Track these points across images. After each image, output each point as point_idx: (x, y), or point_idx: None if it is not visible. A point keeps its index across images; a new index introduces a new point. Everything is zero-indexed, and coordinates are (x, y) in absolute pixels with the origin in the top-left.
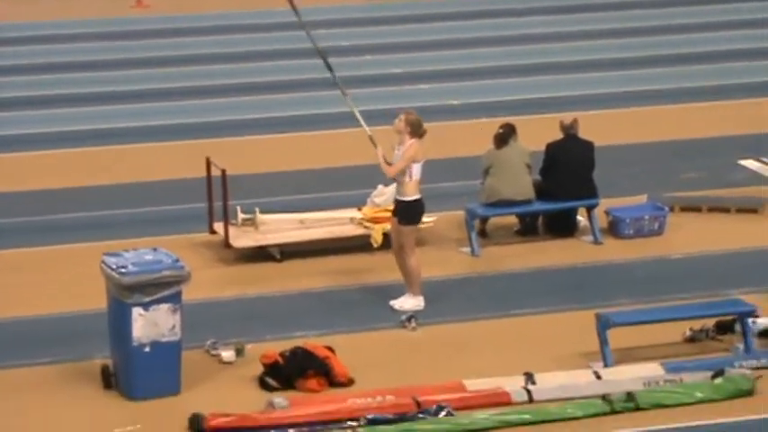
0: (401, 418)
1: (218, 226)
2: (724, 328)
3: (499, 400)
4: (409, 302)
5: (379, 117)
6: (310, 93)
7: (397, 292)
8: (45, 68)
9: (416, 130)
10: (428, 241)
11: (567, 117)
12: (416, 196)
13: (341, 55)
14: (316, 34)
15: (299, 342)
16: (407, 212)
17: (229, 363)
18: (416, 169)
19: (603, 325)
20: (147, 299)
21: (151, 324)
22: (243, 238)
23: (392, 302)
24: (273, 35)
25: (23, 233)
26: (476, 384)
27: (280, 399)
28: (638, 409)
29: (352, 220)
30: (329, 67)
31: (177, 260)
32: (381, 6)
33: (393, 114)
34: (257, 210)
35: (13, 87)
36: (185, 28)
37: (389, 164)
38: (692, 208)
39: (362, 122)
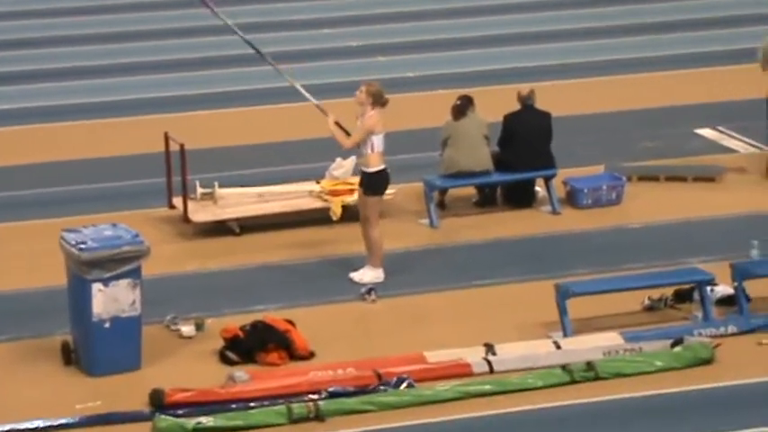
0: (362, 390)
1: (177, 201)
2: (683, 297)
3: (460, 371)
4: (369, 275)
5: (336, 90)
6: (269, 66)
7: (357, 264)
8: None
9: (378, 101)
10: (387, 213)
11: (524, 88)
12: (380, 167)
13: (299, 29)
14: (278, 7)
15: (259, 316)
16: (371, 183)
17: (189, 337)
18: (378, 141)
19: (563, 295)
20: (107, 274)
21: (111, 299)
22: (202, 213)
23: (352, 274)
24: (229, 9)
25: None
26: (436, 356)
27: (240, 373)
28: (597, 378)
29: (311, 193)
30: (256, 50)
31: (137, 235)
32: None
33: (352, 87)
34: (216, 184)
35: None
36: (143, 3)
37: (347, 133)
38: (649, 177)
39: (307, 95)
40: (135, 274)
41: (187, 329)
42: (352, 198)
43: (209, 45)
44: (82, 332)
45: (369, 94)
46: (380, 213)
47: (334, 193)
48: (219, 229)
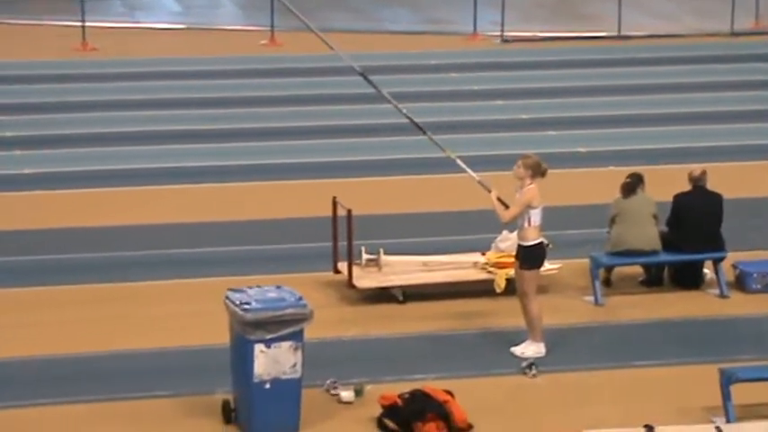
0: None
1: (342, 266)
2: None
3: None
4: (530, 349)
5: (505, 162)
6: (439, 136)
7: (519, 338)
8: (176, 104)
9: (536, 173)
10: (552, 288)
11: (696, 168)
12: (537, 241)
13: (471, 99)
14: (447, 78)
15: (418, 384)
16: (528, 257)
17: (348, 403)
18: (535, 215)
19: (727, 380)
20: (270, 336)
21: (272, 361)
22: (366, 279)
23: (513, 349)
24: (403, 77)
25: (150, 266)
26: None
27: None
28: None
29: (475, 264)
30: (422, 130)
31: (300, 298)
32: (512, 52)
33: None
34: (381, 251)
35: (138, 122)
36: (315, 68)
37: (507, 207)
38: None
39: (468, 169)
40: (297, 336)
41: (346, 395)
42: None
43: (379, 112)
44: (242, 392)
45: (526, 167)
46: (543, 288)
47: (499, 266)
48: (383, 295)
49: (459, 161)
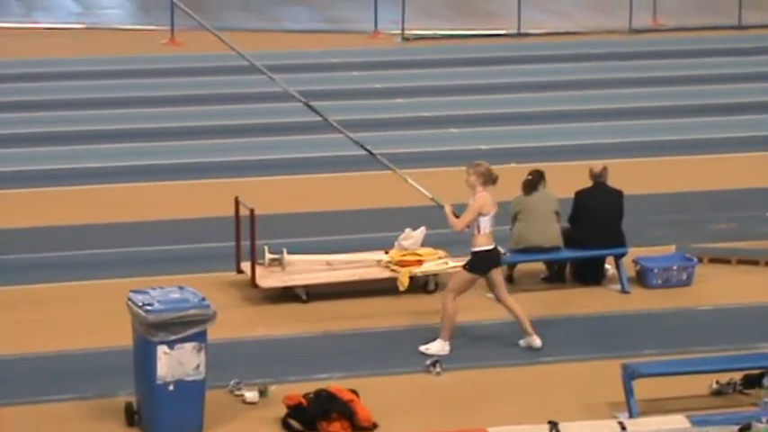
0: None
1: (246, 265)
2: (751, 382)
3: None
4: (435, 346)
5: (408, 160)
6: (340, 134)
7: (423, 336)
8: (76, 105)
9: (487, 180)
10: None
11: (597, 165)
12: (486, 247)
13: (372, 97)
14: (348, 76)
15: (323, 384)
16: (474, 262)
17: (253, 403)
18: (484, 222)
19: (629, 375)
20: (173, 337)
21: (176, 362)
22: (269, 279)
23: (421, 347)
24: (304, 76)
25: (50, 268)
26: None
27: None
28: None
29: (378, 262)
30: (367, 150)
31: (203, 299)
32: (413, 50)
33: (422, 158)
34: (284, 250)
35: (41, 123)
36: (215, 68)
37: (457, 217)
38: (721, 259)
39: (420, 188)
40: (200, 337)
41: (251, 395)
42: (420, 269)
43: (281, 111)
44: (146, 394)
45: (477, 174)
46: (443, 284)
47: (402, 264)
48: (287, 295)
49: (410, 181)
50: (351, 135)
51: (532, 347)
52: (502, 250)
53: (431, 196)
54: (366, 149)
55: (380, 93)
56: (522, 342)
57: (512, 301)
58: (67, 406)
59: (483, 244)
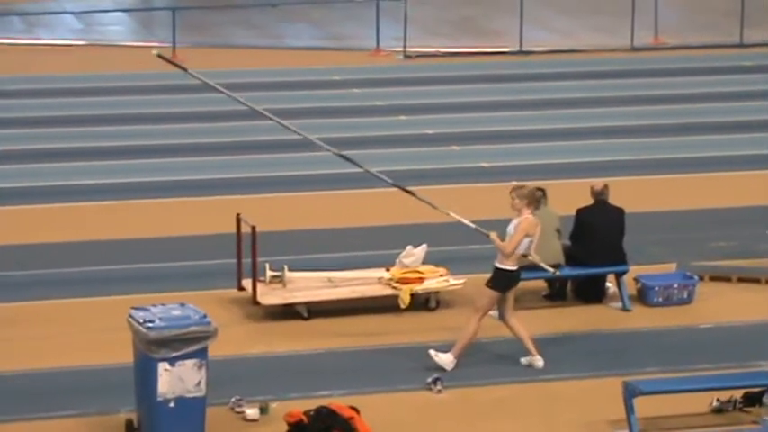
0: None
1: (247, 282)
2: (752, 400)
3: None
4: (443, 358)
5: (410, 178)
6: (344, 151)
7: (423, 353)
8: (77, 121)
9: (532, 201)
10: (456, 303)
11: (598, 183)
12: (511, 267)
13: (374, 115)
14: (350, 93)
15: (323, 401)
16: (497, 279)
17: (254, 420)
18: (523, 245)
19: (630, 393)
20: (174, 354)
21: (177, 379)
22: (271, 296)
23: (431, 351)
24: (306, 93)
25: (51, 285)
26: None
27: None
28: None
29: (380, 280)
30: (411, 194)
31: (204, 316)
32: (415, 67)
33: (424, 175)
34: (286, 267)
35: (42, 139)
36: (218, 84)
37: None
38: (721, 277)
39: (463, 219)
40: (201, 354)
41: (251, 412)
42: (421, 286)
43: (282, 129)
44: (146, 410)
45: (521, 197)
46: (448, 303)
47: (404, 281)
48: (288, 312)
49: (452, 214)
50: (384, 176)
51: (534, 367)
52: (552, 269)
53: (474, 227)
54: (403, 188)
55: (382, 110)
56: (523, 360)
57: (516, 321)
58: (69, 422)
59: (510, 264)
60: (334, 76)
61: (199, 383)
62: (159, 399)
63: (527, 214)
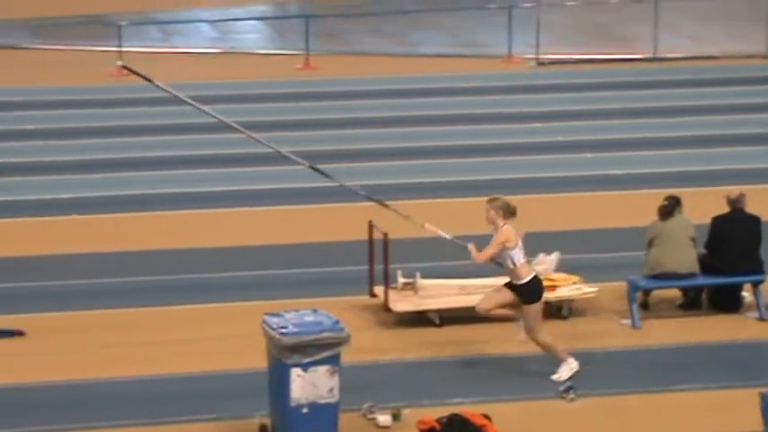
0: None
1: (379, 289)
2: None
3: None
4: (564, 370)
5: (543, 185)
6: (474, 159)
7: (557, 362)
8: (213, 129)
9: (507, 214)
10: (589, 312)
11: (734, 191)
12: (530, 276)
13: (507, 122)
14: (482, 100)
15: (455, 409)
16: (527, 293)
17: (386, 427)
18: (516, 254)
19: None
20: (307, 360)
21: (310, 385)
22: (403, 303)
23: (552, 377)
24: (437, 101)
25: (188, 290)
26: None
27: None
28: None
29: None
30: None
31: (337, 322)
32: (548, 74)
33: (558, 182)
34: (418, 274)
35: (186, 146)
36: (351, 91)
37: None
38: None
39: (442, 233)
40: (334, 360)
41: (384, 419)
42: (554, 294)
43: (419, 135)
44: (280, 416)
45: (495, 209)
46: (580, 311)
47: None
48: (419, 319)
49: (428, 226)
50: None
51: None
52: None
53: (450, 237)
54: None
55: (515, 117)
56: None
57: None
58: (204, 426)
59: (526, 274)
60: (466, 83)
61: (332, 389)
62: (293, 404)
63: (503, 225)
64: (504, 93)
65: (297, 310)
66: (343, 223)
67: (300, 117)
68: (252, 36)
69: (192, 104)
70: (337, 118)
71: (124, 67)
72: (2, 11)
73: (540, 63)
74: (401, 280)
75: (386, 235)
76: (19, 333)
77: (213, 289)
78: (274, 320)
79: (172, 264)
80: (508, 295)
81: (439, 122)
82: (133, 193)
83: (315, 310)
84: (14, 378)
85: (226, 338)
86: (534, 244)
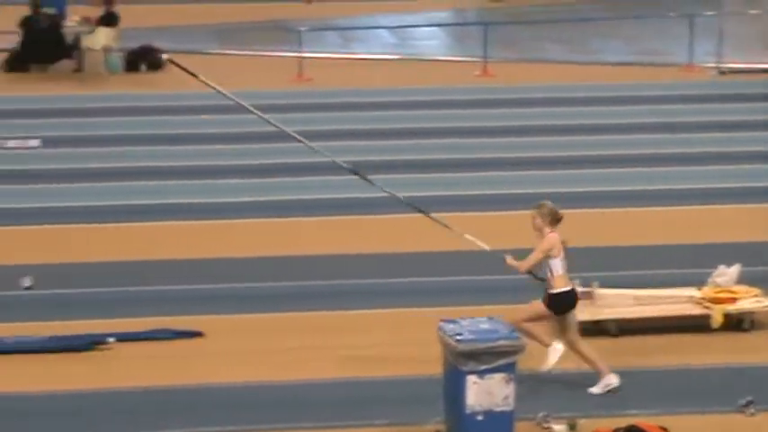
0: None
1: None
2: None
3: None
4: (601, 385)
5: (727, 195)
6: (656, 168)
7: (736, 375)
8: (382, 135)
9: (553, 221)
10: (765, 325)
11: None
12: (564, 288)
13: (688, 131)
14: (661, 109)
15: (632, 420)
16: (553, 305)
17: None
18: (555, 265)
19: None
20: (482, 367)
21: (485, 392)
22: (580, 312)
23: (590, 390)
24: (617, 109)
25: (366, 296)
26: None
27: None
28: None
29: (690, 299)
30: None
31: (513, 330)
32: (730, 83)
33: (743, 193)
34: (595, 284)
35: (352, 151)
36: (529, 99)
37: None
38: None
39: (479, 242)
40: (510, 368)
41: (559, 428)
42: (734, 307)
43: (600, 143)
44: (455, 422)
45: (542, 216)
46: (758, 324)
47: (716, 301)
48: (596, 329)
49: (468, 236)
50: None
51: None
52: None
53: (489, 249)
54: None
55: (696, 126)
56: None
57: (583, 344)
58: None
59: (560, 286)
60: (645, 92)
61: (507, 397)
62: (468, 411)
63: (549, 233)
64: (684, 102)
65: (472, 318)
66: (520, 231)
67: (478, 124)
68: (430, 42)
69: (251, 110)
70: (516, 125)
71: (170, 61)
72: (189, 17)
73: (722, 72)
74: (578, 289)
75: (564, 243)
76: (197, 334)
77: (390, 294)
78: (450, 327)
79: (351, 268)
80: (542, 308)
81: (620, 131)
82: (314, 198)
83: (490, 318)
84: (194, 378)
85: (402, 344)
86: (713, 255)
